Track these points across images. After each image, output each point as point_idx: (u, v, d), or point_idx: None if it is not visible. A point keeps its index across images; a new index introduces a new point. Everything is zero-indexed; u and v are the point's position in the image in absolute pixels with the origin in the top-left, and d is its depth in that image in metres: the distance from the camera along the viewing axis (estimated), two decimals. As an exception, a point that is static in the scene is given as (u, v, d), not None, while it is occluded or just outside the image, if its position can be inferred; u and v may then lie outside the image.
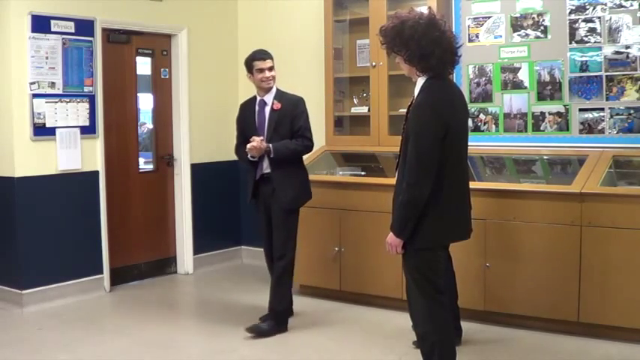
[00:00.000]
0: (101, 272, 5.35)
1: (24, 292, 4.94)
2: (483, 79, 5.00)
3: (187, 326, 4.76)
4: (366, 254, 4.80)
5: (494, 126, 4.98)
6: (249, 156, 4.33)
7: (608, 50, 4.54)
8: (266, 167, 4.36)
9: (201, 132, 6.04)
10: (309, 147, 4.43)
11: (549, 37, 4.74)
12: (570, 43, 4.66)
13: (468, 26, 5.03)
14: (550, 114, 4.78)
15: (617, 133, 4.56)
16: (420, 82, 3.20)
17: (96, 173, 5.32)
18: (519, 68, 4.86)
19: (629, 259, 3.97)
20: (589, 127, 4.65)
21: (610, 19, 4.52)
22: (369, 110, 5.35)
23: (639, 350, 3.95)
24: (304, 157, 4.56)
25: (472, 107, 4.96)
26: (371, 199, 4.74)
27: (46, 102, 4.99)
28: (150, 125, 6.00)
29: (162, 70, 5.93)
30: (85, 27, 5.17)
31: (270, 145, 4.28)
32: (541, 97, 4.80)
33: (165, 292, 5.57)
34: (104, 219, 5.37)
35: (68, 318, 4.77)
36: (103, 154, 5.36)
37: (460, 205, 3.25)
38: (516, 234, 4.28)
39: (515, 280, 4.29)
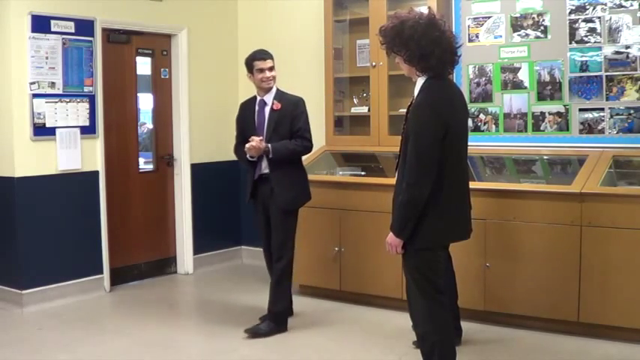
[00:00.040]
0: (101, 272, 5.35)
1: (24, 292, 4.94)
2: (483, 79, 5.00)
3: (187, 326, 4.75)
4: (366, 254, 4.80)
5: (494, 126, 4.98)
6: (247, 156, 4.33)
7: (608, 50, 4.54)
8: (265, 167, 4.36)
9: (201, 132, 6.04)
10: (308, 148, 4.43)
11: (549, 37, 4.74)
12: (570, 43, 4.66)
13: (468, 26, 5.03)
14: (550, 114, 4.77)
15: (617, 133, 4.56)
16: (420, 82, 3.20)
17: (96, 173, 5.32)
18: (519, 68, 4.86)
19: (629, 259, 3.97)
20: (589, 127, 4.65)
21: (610, 19, 4.52)
22: (369, 110, 5.35)
23: (639, 350, 3.95)
24: (304, 157, 4.56)
25: (472, 107, 4.96)
26: (371, 199, 4.73)
27: (46, 102, 5.00)
28: (150, 125, 6.00)
29: (162, 70, 5.93)
30: (85, 27, 5.18)
31: (269, 145, 4.27)
32: (541, 97, 4.80)
33: (165, 292, 5.57)
34: (104, 219, 5.37)
35: (68, 318, 4.77)
36: (103, 154, 5.36)
37: (460, 205, 3.25)
38: (516, 234, 4.28)
39: (515, 280, 4.29)
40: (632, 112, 4.51)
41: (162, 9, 5.75)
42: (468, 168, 3.44)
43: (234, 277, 5.90)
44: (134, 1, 5.53)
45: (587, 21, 4.59)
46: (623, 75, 4.52)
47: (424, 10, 3.34)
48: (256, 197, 4.47)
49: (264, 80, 4.36)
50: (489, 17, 4.95)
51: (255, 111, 4.44)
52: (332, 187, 4.99)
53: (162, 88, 5.95)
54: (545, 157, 4.88)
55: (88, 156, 5.25)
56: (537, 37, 4.78)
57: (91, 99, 5.26)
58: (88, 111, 5.23)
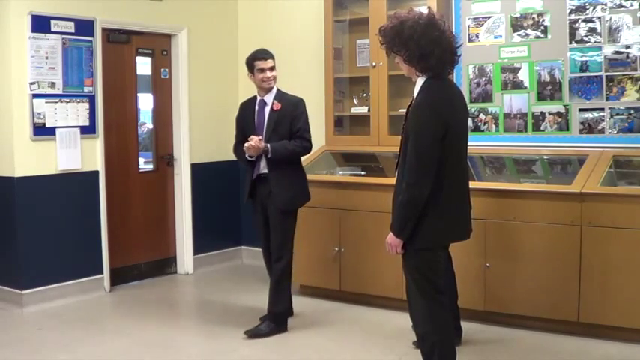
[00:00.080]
0: (101, 272, 5.35)
1: (24, 292, 4.94)
2: (483, 79, 5.00)
3: (187, 326, 4.75)
4: (366, 254, 4.80)
5: (494, 126, 4.98)
6: (246, 155, 4.33)
7: (608, 50, 4.54)
8: (263, 167, 4.36)
9: (201, 132, 6.04)
10: (307, 148, 4.42)
11: (549, 37, 4.74)
12: (570, 43, 4.66)
13: (468, 26, 5.03)
14: (550, 114, 4.77)
15: (617, 133, 4.56)
16: (420, 82, 3.20)
17: (96, 173, 5.32)
18: (519, 68, 4.86)
19: (629, 259, 3.97)
20: (589, 127, 4.65)
21: (610, 19, 4.52)
22: (369, 110, 5.35)
23: (639, 350, 3.95)
24: (304, 157, 4.56)
25: (472, 107, 4.96)
26: (371, 199, 4.73)
27: (46, 102, 5.00)
28: (150, 125, 6.00)
29: (162, 70, 5.93)
30: (85, 27, 5.18)
31: (268, 145, 4.27)
32: (541, 97, 4.80)
33: (165, 292, 5.57)
34: (104, 219, 5.37)
35: (68, 318, 4.77)
36: (103, 154, 5.36)
37: (460, 205, 3.25)
38: (516, 234, 4.28)
39: (515, 280, 4.29)
40: (632, 112, 4.51)
41: (163, 9, 5.75)
42: (467, 168, 3.44)
43: (234, 277, 5.90)
44: (134, 1, 5.53)
45: (587, 21, 4.59)
46: (623, 75, 4.52)
47: (424, 10, 3.34)
48: (255, 197, 4.47)
49: (265, 80, 4.36)
50: (489, 17, 4.95)
51: (255, 111, 4.44)
52: (332, 187, 4.99)
53: (162, 88, 5.95)
54: (545, 157, 4.88)
55: (88, 156, 5.25)
56: (537, 37, 4.78)
57: (91, 99, 5.26)
58: (88, 111, 5.24)
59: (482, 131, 5.01)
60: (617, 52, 4.52)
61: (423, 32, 3.10)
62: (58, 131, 5.05)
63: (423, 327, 3.21)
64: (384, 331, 4.39)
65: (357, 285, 4.90)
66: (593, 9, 4.56)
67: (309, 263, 5.04)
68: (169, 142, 6.00)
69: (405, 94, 4.82)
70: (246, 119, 4.48)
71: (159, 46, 5.88)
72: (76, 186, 5.18)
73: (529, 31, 4.80)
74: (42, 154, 5.00)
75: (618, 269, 3.99)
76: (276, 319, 4.37)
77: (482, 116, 5.02)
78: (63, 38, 5.05)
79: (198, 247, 6.07)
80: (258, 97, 4.45)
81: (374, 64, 5.19)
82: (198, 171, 6.04)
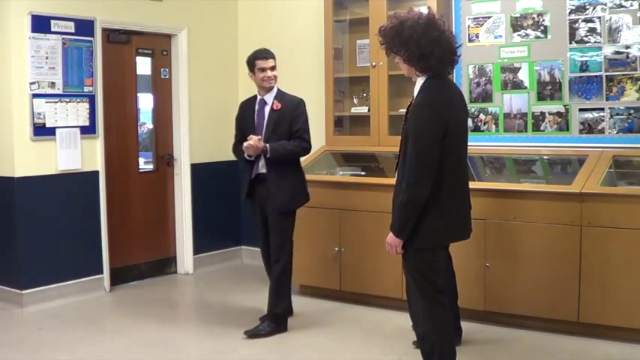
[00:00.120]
0: (101, 272, 5.35)
1: (24, 292, 4.94)
2: (483, 79, 5.00)
3: (187, 326, 4.75)
4: (366, 254, 4.80)
5: (494, 126, 4.98)
6: (245, 155, 4.33)
7: (608, 50, 4.54)
8: (262, 167, 4.35)
9: (201, 132, 6.04)
10: (306, 149, 4.42)
11: (549, 37, 4.74)
12: (570, 43, 4.66)
13: (468, 26, 5.03)
14: (550, 114, 4.77)
15: (617, 133, 4.56)
16: (420, 82, 3.20)
17: (96, 173, 5.32)
18: (519, 68, 4.86)
19: (629, 259, 3.97)
20: (589, 127, 4.65)
21: (610, 19, 4.52)
22: (369, 110, 5.35)
23: (639, 350, 3.95)
24: (303, 157, 4.56)
25: (472, 107, 4.96)
26: (371, 199, 4.73)
27: (46, 102, 5.00)
28: (150, 125, 6.00)
29: (162, 70, 5.93)
30: (85, 27, 5.18)
31: (267, 145, 4.27)
32: (541, 97, 4.80)
33: (165, 292, 5.57)
34: (104, 219, 5.37)
35: (68, 318, 4.77)
36: (103, 154, 5.36)
37: (460, 205, 3.26)
38: (516, 234, 4.28)
39: (515, 280, 4.29)
40: (632, 112, 4.51)
41: (162, 9, 5.75)
42: (467, 168, 3.44)
43: (234, 277, 5.90)
44: (134, 1, 5.53)
45: (587, 21, 4.59)
46: (623, 75, 4.52)
47: (424, 10, 3.34)
48: (253, 197, 4.47)
49: (266, 79, 4.36)
50: (489, 17, 4.95)
51: (255, 110, 4.44)
52: (332, 187, 4.99)
53: (162, 88, 5.95)
54: (545, 157, 4.88)
55: (88, 156, 5.25)
56: (537, 37, 4.78)
57: (91, 99, 5.26)
58: (88, 111, 5.24)
59: (482, 131, 5.01)
60: (617, 52, 4.51)
61: (423, 32, 3.10)
62: (58, 131, 5.05)
63: (423, 327, 3.21)
64: (384, 331, 4.39)
65: (357, 285, 4.90)
66: (593, 9, 4.56)
67: (309, 263, 5.04)
68: (169, 142, 6.00)
69: (405, 94, 4.82)
70: (246, 118, 4.48)
71: (159, 46, 5.88)
72: (76, 186, 5.18)
73: (529, 31, 4.80)
74: (42, 154, 5.00)
75: (618, 269, 3.99)
76: (276, 320, 4.37)
77: (482, 116, 5.02)
78: (63, 38, 5.05)
79: (198, 247, 6.07)
80: (259, 97, 4.45)
81: (374, 64, 5.19)
82: (198, 171, 6.04)
